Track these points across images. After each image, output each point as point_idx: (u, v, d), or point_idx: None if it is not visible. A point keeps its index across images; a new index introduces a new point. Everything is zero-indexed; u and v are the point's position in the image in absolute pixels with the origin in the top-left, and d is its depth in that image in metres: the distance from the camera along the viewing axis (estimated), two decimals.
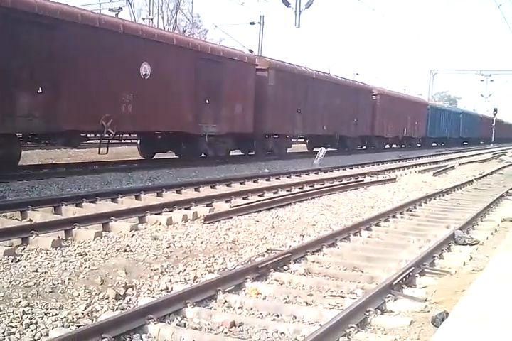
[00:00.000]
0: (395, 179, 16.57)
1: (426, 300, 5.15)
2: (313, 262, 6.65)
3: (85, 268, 5.74)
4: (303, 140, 29.26)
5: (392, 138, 36.54)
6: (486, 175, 19.39)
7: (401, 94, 39.86)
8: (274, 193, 12.04)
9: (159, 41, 15.96)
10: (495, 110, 63.35)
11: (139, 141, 19.65)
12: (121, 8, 28.61)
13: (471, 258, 6.86)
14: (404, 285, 5.54)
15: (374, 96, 32.40)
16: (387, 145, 38.46)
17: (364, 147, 34.02)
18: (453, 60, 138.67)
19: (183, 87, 17.05)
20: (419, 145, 43.09)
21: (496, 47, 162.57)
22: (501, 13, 39.39)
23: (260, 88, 20.97)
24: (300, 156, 24.21)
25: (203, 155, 19.17)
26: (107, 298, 5.07)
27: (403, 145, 40.05)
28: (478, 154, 35.93)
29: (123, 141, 26.96)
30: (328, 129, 26.77)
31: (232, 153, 21.55)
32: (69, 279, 5.35)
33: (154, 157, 19.11)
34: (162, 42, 16.08)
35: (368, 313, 4.69)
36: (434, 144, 47.65)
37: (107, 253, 6.33)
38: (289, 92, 22.74)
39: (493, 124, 61.55)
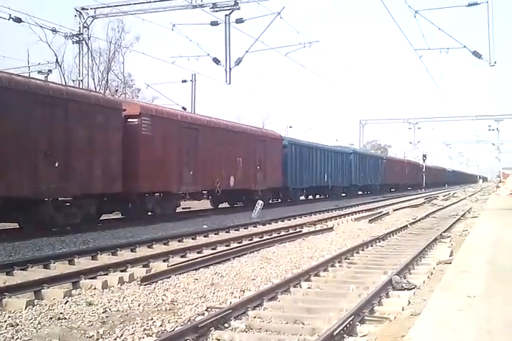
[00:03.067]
0: (332, 228, 16.77)
1: None
2: (255, 317, 6.56)
3: (17, 339, 5.52)
4: None
5: (197, 193, 21.09)
6: (419, 220, 19.91)
7: (224, 121, 24.20)
8: (213, 249, 11.94)
9: None
10: (424, 156, 65.55)
11: None
12: (50, 71, 28.53)
13: (409, 302, 6.97)
14: (345, 335, 5.55)
15: (134, 120, 17.09)
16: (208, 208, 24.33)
17: (120, 215, 18.43)
18: (381, 110, 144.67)
19: None
20: (278, 200, 29.00)
21: (420, 96, 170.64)
22: (423, 64, 41.58)
23: None
24: None
25: None
26: None
27: (234, 205, 25.31)
28: (411, 199, 36.94)
29: None
30: None
31: None
32: None
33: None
34: None
35: None
36: (311, 197, 35.31)
37: (39, 323, 6.09)
38: None
39: (424, 170, 63.54)
